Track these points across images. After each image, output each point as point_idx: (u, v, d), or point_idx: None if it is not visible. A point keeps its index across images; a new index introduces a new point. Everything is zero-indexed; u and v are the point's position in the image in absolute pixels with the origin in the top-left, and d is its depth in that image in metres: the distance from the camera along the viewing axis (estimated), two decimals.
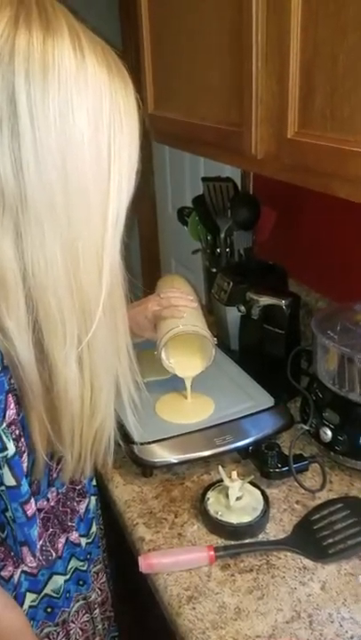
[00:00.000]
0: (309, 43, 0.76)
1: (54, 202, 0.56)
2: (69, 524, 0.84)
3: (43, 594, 0.82)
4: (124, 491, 0.98)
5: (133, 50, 2.24)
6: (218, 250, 1.48)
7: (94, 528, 0.92)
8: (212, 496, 0.91)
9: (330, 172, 0.76)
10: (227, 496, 0.89)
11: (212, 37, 0.98)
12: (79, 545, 0.86)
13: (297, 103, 0.81)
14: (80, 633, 0.92)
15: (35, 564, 0.76)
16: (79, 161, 0.56)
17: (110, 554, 1.02)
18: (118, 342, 0.69)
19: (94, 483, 0.95)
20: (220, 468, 0.93)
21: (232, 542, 0.86)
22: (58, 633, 0.87)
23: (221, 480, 0.91)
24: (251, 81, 0.88)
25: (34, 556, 0.73)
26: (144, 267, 2.81)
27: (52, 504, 0.81)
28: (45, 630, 0.85)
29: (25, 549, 0.72)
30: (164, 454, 0.98)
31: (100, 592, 0.98)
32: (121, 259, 0.65)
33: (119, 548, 0.99)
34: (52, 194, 0.55)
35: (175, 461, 0.98)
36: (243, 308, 1.21)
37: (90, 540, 0.91)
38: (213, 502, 0.90)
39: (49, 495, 0.81)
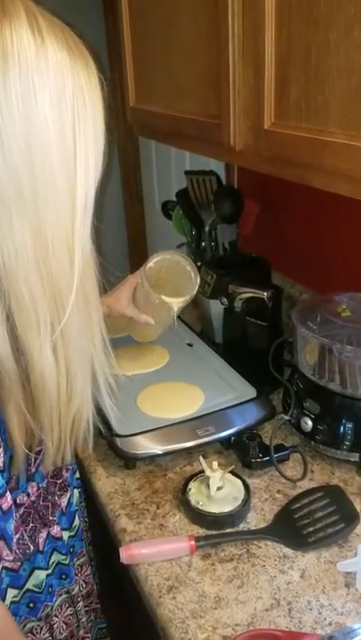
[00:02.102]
0: (283, 35, 0.77)
1: (21, 187, 0.55)
2: (50, 518, 0.84)
3: (24, 589, 0.83)
4: (107, 483, 0.98)
5: (117, 45, 2.24)
6: (203, 243, 1.48)
7: (77, 521, 0.92)
8: (193, 486, 0.92)
9: (305, 163, 0.77)
10: (208, 486, 0.89)
11: (189, 31, 0.99)
12: (61, 539, 0.87)
13: (273, 95, 0.82)
14: (64, 627, 0.92)
15: (11, 558, 0.76)
16: (44, 144, 0.55)
17: (95, 546, 1.03)
18: (92, 328, 0.68)
19: (77, 475, 0.96)
20: (201, 458, 0.93)
21: (213, 532, 0.87)
22: (41, 627, 0.87)
23: (203, 471, 0.92)
24: (228, 73, 0.89)
25: (10, 549, 0.73)
26: (131, 261, 2.81)
27: (33, 499, 0.82)
28: (28, 625, 0.86)
29: (1, 543, 0.72)
30: (146, 446, 0.98)
31: (84, 584, 0.98)
32: (92, 243, 0.64)
33: (104, 540, 1.00)
34: (19, 179, 0.55)
35: (158, 453, 0.98)
36: (225, 301, 1.22)
37: (73, 534, 0.91)
38: (195, 493, 0.91)
39: (29, 490, 0.81)
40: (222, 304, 1.23)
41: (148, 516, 0.91)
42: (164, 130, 1.16)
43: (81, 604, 0.96)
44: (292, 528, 0.86)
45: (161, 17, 1.07)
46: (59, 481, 0.87)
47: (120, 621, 1.15)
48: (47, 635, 0.89)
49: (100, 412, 1.05)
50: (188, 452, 1.02)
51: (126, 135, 2.52)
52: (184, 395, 1.12)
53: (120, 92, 2.42)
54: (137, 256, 2.77)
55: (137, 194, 2.62)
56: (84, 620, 0.97)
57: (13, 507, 0.72)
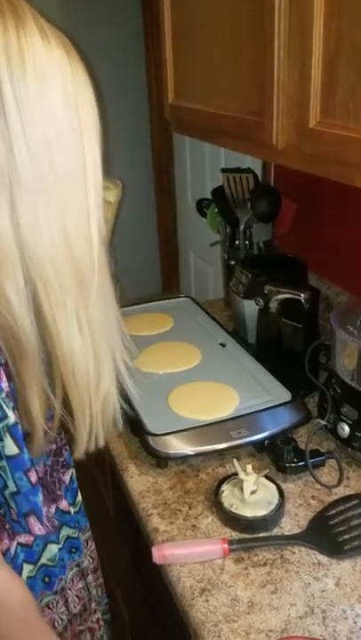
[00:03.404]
0: (332, 33, 0.75)
1: (44, 175, 0.61)
2: (58, 492, 0.87)
3: (39, 564, 0.84)
4: (139, 481, 0.98)
5: (155, 41, 2.24)
6: (237, 242, 1.47)
7: (79, 497, 0.95)
8: (226, 489, 0.91)
9: (351, 163, 0.75)
10: (241, 489, 0.88)
11: (232, 27, 0.97)
12: (69, 513, 0.90)
13: (319, 93, 0.80)
14: (77, 600, 0.94)
15: (43, 532, 0.77)
16: (59, 133, 0.62)
17: (126, 543, 1.03)
18: (108, 310, 0.72)
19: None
20: (234, 461, 0.92)
21: (246, 536, 0.86)
22: (57, 601, 0.89)
23: (236, 473, 0.91)
24: (272, 71, 0.87)
25: (42, 523, 0.74)
26: (162, 259, 2.81)
27: (41, 475, 0.83)
28: (45, 600, 0.87)
29: (32, 519, 0.73)
30: (178, 446, 0.98)
31: (91, 560, 1.01)
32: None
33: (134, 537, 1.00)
34: (42, 168, 0.61)
35: (190, 453, 0.98)
36: (261, 302, 1.20)
37: (77, 509, 0.94)
38: (228, 495, 0.90)
39: (37, 467, 0.82)
40: (258, 304, 1.21)
41: (181, 517, 0.91)
42: (203, 127, 1.15)
43: (90, 577, 0.98)
44: (328, 535, 0.85)
45: (203, 11, 1.06)
46: (61, 459, 0.90)
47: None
48: (63, 608, 0.90)
49: (131, 411, 1.06)
50: (220, 453, 1.01)
51: (160, 132, 2.52)
52: (218, 395, 1.11)
53: (156, 88, 2.42)
54: (168, 254, 2.77)
55: (169, 191, 2.62)
56: (94, 592, 1.00)
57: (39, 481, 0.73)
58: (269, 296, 1.18)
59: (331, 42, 0.76)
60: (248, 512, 0.87)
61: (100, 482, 1.35)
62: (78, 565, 0.94)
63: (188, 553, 0.83)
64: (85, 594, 0.96)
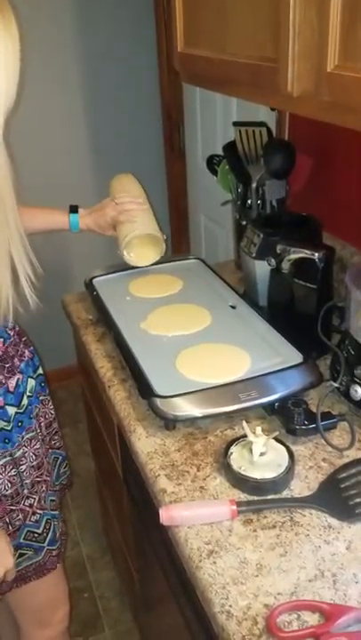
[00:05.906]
0: None
1: None
2: None
3: None
4: (147, 443, 0.97)
5: None
6: (249, 201, 1.42)
7: (25, 401, 1.08)
8: (235, 451, 0.89)
9: None
10: (250, 451, 0.87)
11: None
12: (2, 407, 1.03)
13: (338, 34, 0.75)
14: (9, 485, 1.06)
15: None
16: None
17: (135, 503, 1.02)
18: (7, 218, 0.85)
19: (40, 372, 1.16)
20: (244, 423, 0.90)
21: (255, 497, 0.84)
22: None
23: (245, 435, 0.89)
24: (288, 12, 0.81)
25: None
26: (172, 222, 2.75)
27: None
28: None
29: None
30: (186, 408, 0.96)
31: (34, 457, 1.11)
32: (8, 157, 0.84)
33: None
34: None
35: (198, 415, 0.96)
36: (273, 261, 1.16)
37: (21, 411, 1.07)
38: (237, 457, 0.88)
39: None
40: (270, 265, 1.17)
41: (189, 478, 0.89)
42: (215, 76, 1.09)
43: (25, 467, 1.08)
44: (339, 498, 0.83)
45: None
46: (7, 365, 1.05)
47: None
48: None
49: (139, 374, 1.04)
50: (228, 415, 0.99)
51: (170, 88, 2.43)
52: (228, 357, 1.08)
53: (166, 40, 2.31)
54: (178, 216, 2.71)
55: (179, 150, 2.54)
56: (27, 482, 1.09)
57: None
58: (282, 256, 1.14)
59: None
60: (257, 474, 0.85)
61: (108, 443, 1.34)
62: (11, 455, 1.05)
63: (195, 514, 0.82)
64: (18, 480, 1.07)
